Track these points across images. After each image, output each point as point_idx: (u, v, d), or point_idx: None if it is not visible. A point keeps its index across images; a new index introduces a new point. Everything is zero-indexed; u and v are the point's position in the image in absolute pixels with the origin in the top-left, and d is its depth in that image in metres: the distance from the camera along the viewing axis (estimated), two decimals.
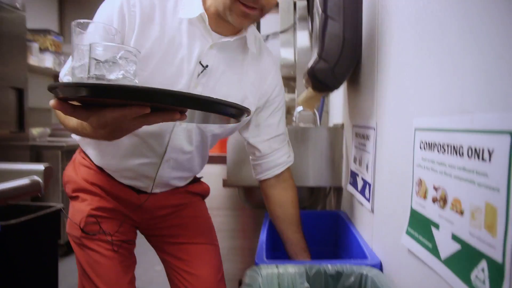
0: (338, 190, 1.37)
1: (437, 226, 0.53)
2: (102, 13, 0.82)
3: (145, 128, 0.72)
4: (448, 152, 0.51)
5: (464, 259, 0.46)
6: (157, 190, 1.00)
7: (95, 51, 0.59)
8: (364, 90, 1.01)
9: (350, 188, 1.11)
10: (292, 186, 1.05)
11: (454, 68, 0.50)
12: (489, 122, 0.41)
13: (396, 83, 0.75)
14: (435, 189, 0.54)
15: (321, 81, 0.99)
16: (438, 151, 0.54)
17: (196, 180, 1.12)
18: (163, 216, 1.04)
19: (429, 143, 0.57)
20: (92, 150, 0.97)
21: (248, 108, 0.66)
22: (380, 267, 0.80)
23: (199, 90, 0.87)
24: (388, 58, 0.80)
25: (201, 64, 0.86)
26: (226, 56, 0.90)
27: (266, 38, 1.91)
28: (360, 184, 1.01)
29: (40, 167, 0.90)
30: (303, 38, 1.70)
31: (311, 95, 1.05)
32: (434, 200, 0.55)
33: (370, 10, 0.97)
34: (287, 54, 1.84)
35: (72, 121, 0.72)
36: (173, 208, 1.05)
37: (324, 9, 1.00)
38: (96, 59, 0.59)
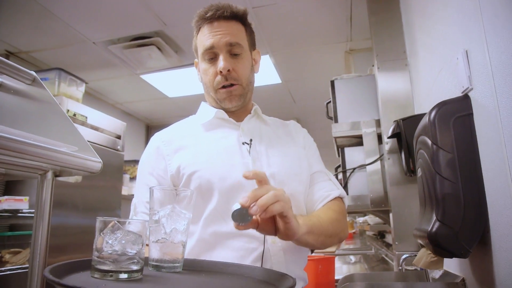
0: None
1: None
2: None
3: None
4: None
5: None
6: None
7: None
8: (501, 258, 0.88)
9: None
10: (334, 210, 0.95)
11: None
12: None
13: None
14: None
15: (445, 248, 0.91)
16: None
17: None
18: None
19: None
20: None
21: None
22: None
23: (257, 164, 0.94)
24: None
25: (245, 143, 0.97)
26: (256, 130, 1.02)
27: (353, 170, 1.91)
28: None
29: None
30: (394, 174, 1.66)
31: (433, 259, 0.95)
32: None
33: (494, 157, 0.89)
34: (377, 186, 1.79)
35: None
36: None
37: (437, 171, 0.96)
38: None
